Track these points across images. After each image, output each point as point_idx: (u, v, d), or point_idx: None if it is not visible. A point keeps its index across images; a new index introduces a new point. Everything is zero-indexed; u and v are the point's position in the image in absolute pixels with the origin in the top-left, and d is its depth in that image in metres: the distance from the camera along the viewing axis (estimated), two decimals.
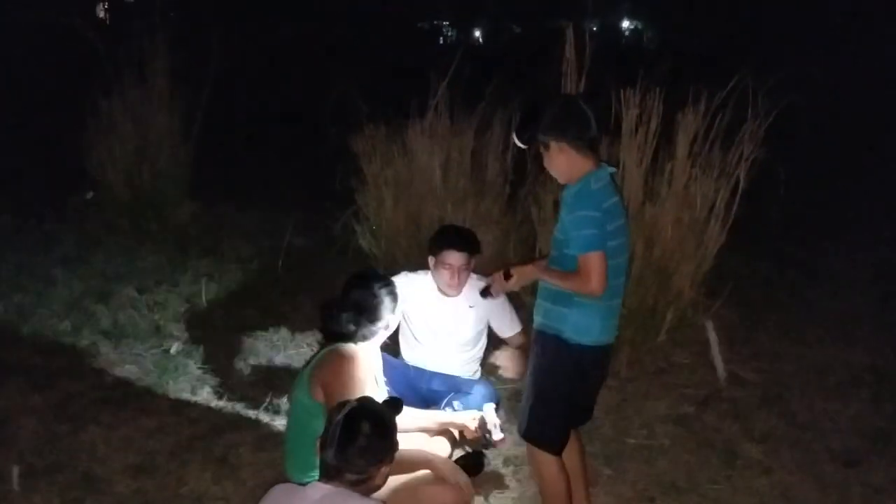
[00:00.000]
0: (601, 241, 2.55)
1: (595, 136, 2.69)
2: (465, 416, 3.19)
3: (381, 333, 2.86)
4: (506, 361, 3.62)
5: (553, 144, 2.64)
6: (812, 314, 5.09)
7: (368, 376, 2.66)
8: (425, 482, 2.71)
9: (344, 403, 2.14)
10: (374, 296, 2.77)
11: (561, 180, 2.76)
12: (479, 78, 5.23)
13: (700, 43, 13.34)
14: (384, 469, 2.14)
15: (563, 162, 2.66)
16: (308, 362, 2.74)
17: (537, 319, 2.77)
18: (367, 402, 2.21)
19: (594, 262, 2.53)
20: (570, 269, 2.62)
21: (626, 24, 33.90)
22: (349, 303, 2.75)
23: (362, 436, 2.05)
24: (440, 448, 3.10)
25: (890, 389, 4.23)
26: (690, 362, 4.48)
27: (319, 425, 2.52)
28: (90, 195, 6.76)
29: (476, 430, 3.10)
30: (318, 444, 2.12)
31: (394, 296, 2.86)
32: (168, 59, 6.50)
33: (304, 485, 2.15)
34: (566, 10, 7.72)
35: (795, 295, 5.45)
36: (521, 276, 2.84)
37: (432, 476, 2.72)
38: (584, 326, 2.67)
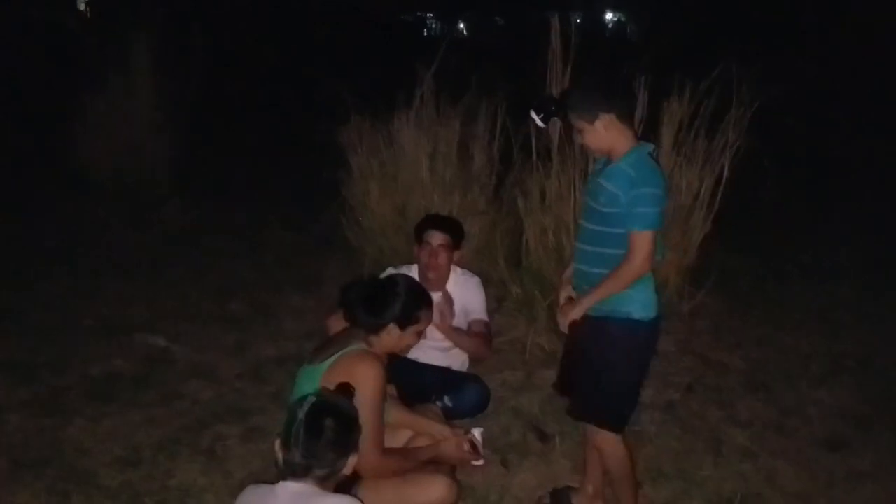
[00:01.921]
0: (660, 220, 2.58)
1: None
2: (453, 442, 2.97)
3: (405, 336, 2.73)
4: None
5: (602, 118, 2.59)
6: (796, 303, 5.13)
7: (383, 384, 2.58)
8: (410, 480, 2.66)
9: (302, 400, 2.11)
10: (407, 285, 2.76)
11: (600, 155, 2.74)
12: (465, 69, 5.22)
13: (684, 34, 13.38)
14: (351, 459, 2.13)
15: (609, 136, 2.62)
16: (315, 357, 2.63)
17: (599, 309, 2.68)
18: (325, 396, 2.19)
19: (650, 240, 2.54)
20: (611, 246, 2.60)
21: (609, 16, 33.94)
22: (382, 285, 2.72)
23: (328, 431, 2.05)
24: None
25: (873, 377, 4.28)
26: (676, 350, 4.50)
27: None
28: None
29: (467, 452, 2.96)
30: (276, 444, 2.10)
31: (423, 297, 2.79)
32: (152, 52, 6.46)
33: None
34: (551, 2, 7.73)
35: (779, 283, 5.49)
36: (578, 311, 2.70)
37: (418, 473, 2.69)
38: (648, 300, 2.68)
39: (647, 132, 4.34)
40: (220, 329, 4.65)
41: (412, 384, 3.57)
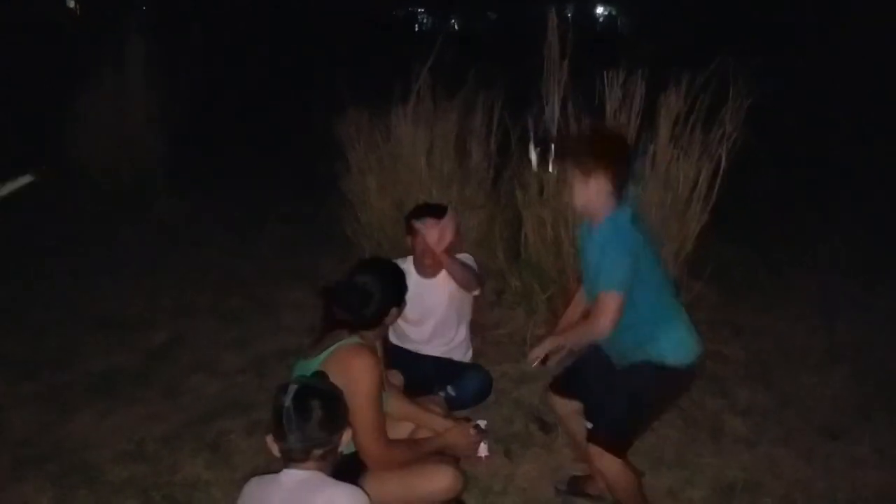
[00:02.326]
0: (626, 283, 2.61)
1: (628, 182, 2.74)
2: (458, 429, 2.93)
3: (387, 321, 2.75)
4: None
5: (597, 177, 2.65)
6: (793, 293, 5.16)
7: (380, 375, 2.57)
8: (415, 471, 2.65)
9: (284, 389, 2.13)
10: (367, 286, 2.67)
11: (581, 210, 2.79)
12: (461, 63, 5.23)
13: (678, 28, 13.40)
14: (345, 435, 2.19)
15: (597, 198, 2.68)
16: (310, 353, 2.63)
17: (632, 359, 2.76)
18: (304, 381, 2.22)
19: (615, 301, 2.59)
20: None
21: (600, 10, 33.95)
22: (356, 286, 2.66)
23: (316, 410, 2.09)
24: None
25: (869, 365, 4.31)
26: None
27: None
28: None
29: (473, 437, 2.90)
30: (269, 440, 2.13)
31: (392, 283, 2.75)
32: (147, 48, 6.44)
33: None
34: None
35: (776, 274, 5.52)
36: (540, 350, 2.78)
37: (423, 464, 2.68)
38: (682, 344, 2.74)
39: (645, 125, 4.40)
40: (220, 324, 4.66)
41: (415, 375, 3.60)
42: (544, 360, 2.81)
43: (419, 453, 2.73)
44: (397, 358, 3.73)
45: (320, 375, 2.34)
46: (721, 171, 4.42)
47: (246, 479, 3.07)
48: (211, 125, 8.49)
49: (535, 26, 4.47)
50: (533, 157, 2.84)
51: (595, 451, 2.72)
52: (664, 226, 4.49)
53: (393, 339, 3.89)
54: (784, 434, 3.64)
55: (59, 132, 6.37)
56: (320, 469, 2.12)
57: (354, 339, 2.61)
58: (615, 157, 2.68)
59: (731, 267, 5.32)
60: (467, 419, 3.08)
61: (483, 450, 3.01)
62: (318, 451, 2.10)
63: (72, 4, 18.22)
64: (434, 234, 3.32)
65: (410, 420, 3.01)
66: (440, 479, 2.64)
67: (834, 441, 3.58)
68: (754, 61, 4.16)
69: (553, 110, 4.44)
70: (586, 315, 2.85)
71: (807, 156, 8.11)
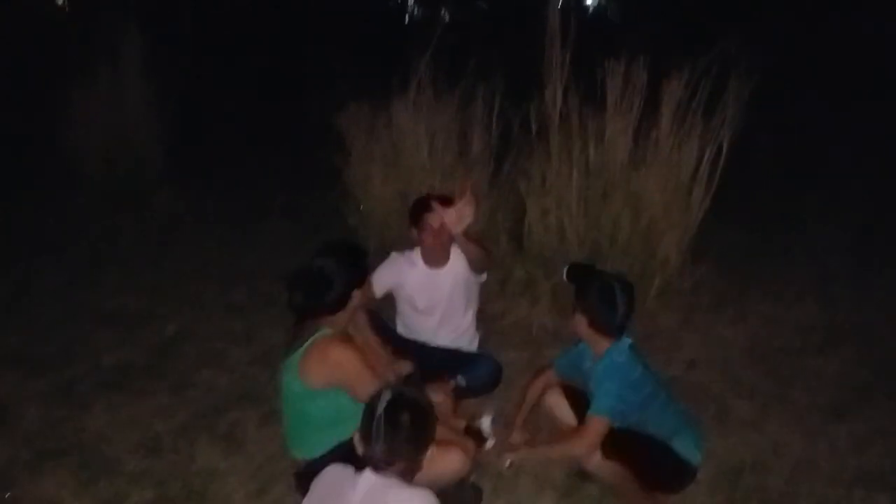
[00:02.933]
0: (614, 412, 2.80)
1: (620, 325, 2.90)
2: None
3: (350, 304, 2.73)
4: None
5: (582, 316, 2.90)
6: (795, 276, 5.20)
7: (361, 354, 2.62)
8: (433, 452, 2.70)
9: (378, 395, 2.12)
10: (325, 268, 2.67)
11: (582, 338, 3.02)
12: (459, 53, 5.23)
13: (675, 13, 13.35)
14: (431, 451, 2.17)
15: (586, 334, 2.95)
16: (291, 347, 2.67)
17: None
18: (400, 390, 2.18)
19: (601, 425, 2.79)
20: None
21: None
22: (314, 271, 2.67)
23: (406, 424, 2.07)
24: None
25: (871, 345, 4.37)
26: (677, 326, 4.58)
27: (315, 408, 2.59)
28: None
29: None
30: (356, 437, 2.14)
31: (351, 265, 2.74)
32: (142, 42, 6.42)
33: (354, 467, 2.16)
34: None
35: (778, 257, 5.56)
36: (515, 455, 3.06)
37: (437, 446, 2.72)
38: (688, 449, 2.94)
39: (647, 111, 4.42)
40: (226, 317, 4.68)
41: (425, 366, 3.63)
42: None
43: None
44: (406, 348, 3.77)
45: (413, 380, 2.33)
46: (723, 156, 4.46)
47: (261, 468, 3.19)
48: (208, 117, 8.46)
49: (530, 15, 4.47)
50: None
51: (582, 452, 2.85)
52: (668, 211, 4.54)
53: (401, 329, 3.92)
54: (788, 416, 3.70)
55: (56, 126, 6.33)
56: (399, 479, 2.10)
57: (325, 330, 2.63)
58: (595, 306, 2.88)
59: (733, 251, 5.37)
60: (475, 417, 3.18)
61: (488, 443, 3.09)
62: (401, 465, 2.09)
63: (60, 2, 18.07)
64: (452, 214, 3.32)
65: None
66: (449, 462, 2.67)
67: (837, 421, 3.64)
68: (756, 43, 4.18)
69: (555, 99, 4.46)
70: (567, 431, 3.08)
71: (807, 138, 8.14)
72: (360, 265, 2.78)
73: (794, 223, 6.08)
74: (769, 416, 3.70)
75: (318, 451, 2.69)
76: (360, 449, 2.13)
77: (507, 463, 3.04)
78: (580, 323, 2.93)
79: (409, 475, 2.12)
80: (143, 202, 6.40)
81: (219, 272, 5.40)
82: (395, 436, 2.06)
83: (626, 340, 2.93)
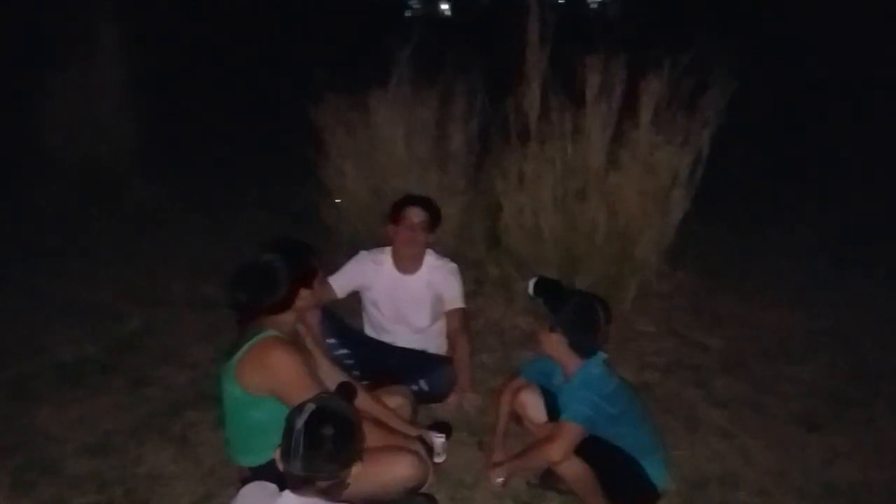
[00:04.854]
0: (589, 419, 2.75)
1: (600, 345, 2.87)
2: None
3: (296, 305, 2.63)
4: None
5: (559, 334, 2.83)
6: (774, 280, 5.12)
7: (303, 359, 2.52)
8: (375, 459, 2.49)
9: (300, 408, 1.99)
10: (270, 265, 2.55)
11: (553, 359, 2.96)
12: (442, 47, 5.13)
13: (660, 9, 13.27)
14: (356, 469, 2.03)
15: (559, 352, 2.87)
16: (230, 352, 2.56)
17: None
18: (324, 402, 2.03)
19: (574, 431, 2.73)
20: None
21: None
22: (258, 268, 2.56)
23: (328, 441, 1.93)
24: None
25: (848, 353, 4.29)
26: (655, 331, 4.49)
27: (259, 413, 2.47)
28: None
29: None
30: (276, 453, 2.01)
31: (298, 264, 2.62)
32: (115, 31, 6.31)
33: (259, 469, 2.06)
34: None
35: (758, 261, 5.48)
36: (500, 472, 3.02)
37: (383, 452, 2.60)
38: (656, 473, 2.87)
39: (626, 111, 4.32)
40: (192, 312, 4.57)
41: (387, 367, 3.54)
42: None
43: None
44: (370, 349, 3.67)
45: (345, 393, 2.20)
46: (703, 157, 4.37)
47: (212, 472, 3.08)
48: (183, 107, 8.29)
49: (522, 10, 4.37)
50: (530, 288, 3.03)
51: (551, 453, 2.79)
52: (645, 213, 4.44)
53: (368, 329, 3.82)
54: (761, 424, 3.62)
55: (24, 114, 6.20)
56: (321, 500, 1.97)
57: (267, 332, 2.52)
58: (573, 324, 2.82)
59: (712, 254, 5.29)
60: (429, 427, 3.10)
61: (439, 457, 3.01)
62: (322, 484, 1.95)
63: None
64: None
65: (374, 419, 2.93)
66: (401, 468, 2.59)
67: (810, 431, 3.56)
68: (735, 41, 4.09)
69: (533, 97, 4.37)
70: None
71: (788, 140, 8.06)
72: (308, 264, 2.67)
73: (775, 226, 6.01)
74: (742, 424, 3.61)
75: (264, 458, 2.56)
76: (279, 465, 1.99)
77: (501, 481, 2.98)
78: (557, 343, 2.85)
79: (333, 493, 1.98)
80: (115, 193, 6.27)
81: (189, 266, 5.29)
82: (315, 453, 1.92)
83: (601, 355, 2.89)
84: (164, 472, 3.08)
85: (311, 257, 2.69)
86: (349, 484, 2.02)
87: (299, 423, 1.95)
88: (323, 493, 1.96)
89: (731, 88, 4.19)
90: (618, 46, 4.25)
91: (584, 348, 2.85)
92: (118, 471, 3.08)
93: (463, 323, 3.73)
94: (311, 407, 1.98)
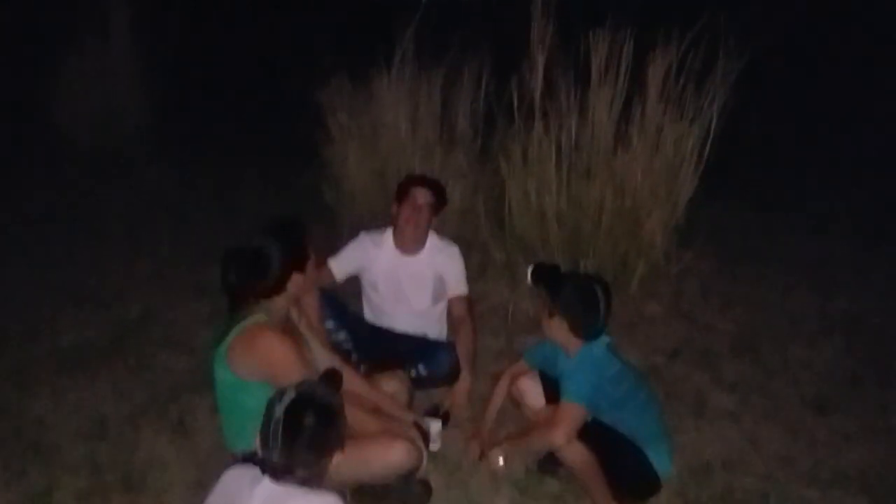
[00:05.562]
0: (591, 399, 2.72)
1: (602, 328, 2.79)
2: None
3: (289, 288, 2.56)
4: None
5: (559, 318, 2.77)
6: (787, 259, 4.99)
7: (292, 344, 2.47)
8: (367, 446, 2.51)
9: (281, 394, 1.94)
10: (262, 249, 2.49)
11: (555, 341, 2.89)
12: (448, 26, 5.02)
13: None
14: (337, 457, 1.98)
15: (561, 335, 2.81)
16: (221, 336, 2.52)
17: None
18: (305, 389, 1.99)
19: (576, 412, 2.69)
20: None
21: None
22: (251, 250, 2.50)
23: (307, 429, 1.88)
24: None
25: (863, 334, 4.18)
26: (663, 314, 4.40)
27: (250, 399, 2.41)
28: None
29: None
30: (257, 441, 1.96)
31: (292, 246, 2.56)
32: (127, 15, 6.29)
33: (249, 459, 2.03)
34: None
35: (770, 240, 5.34)
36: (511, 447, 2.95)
37: (375, 439, 2.57)
38: (659, 461, 2.81)
39: (633, 87, 4.21)
40: (196, 297, 4.52)
41: (387, 352, 3.49)
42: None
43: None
44: (369, 333, 3.63)
45: (331, 379, 2.14)
46: (712, 133, 4.24)
47: (207, 457, 3.06)
48: (189, 93, 8.22)
49: None
50: (528, 275, 2.97)
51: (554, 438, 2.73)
52: (653, 192, 4.33)
53: (367, 313, 3.77)
54: (770, 408, 3.54)
55: (36, 99, 6.20)
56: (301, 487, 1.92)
57: (258, 316, 2.47)
58: (575, 307, 2.76)
59: (724, 233, 5.16)
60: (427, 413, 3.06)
61: (434, 445, 2.96)
62: (301, 472, 1.90)
63: None
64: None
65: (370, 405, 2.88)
66: (393, 454, 2.55)
67: (820, 415, 3.48)
68: (746, 13, 3.95)
69: (537, 76, 4.26)
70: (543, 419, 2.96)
71: (800, 115, 7.84)
72: (301, 248, 2.61)
73: (789, 204, 5.85)
74: (750, 408, 3.54)
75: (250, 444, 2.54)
76: (259, 453, 1.94)
77: (500, 461, 2.91)
78: (559, 328, 2.80)
79: (313, 482, 1.93)
80: (123, 177, 6.26)
81: (195, 250, 5.23)
82: (294, 442, 1.87)
83: (604, 338, 2.84)
84: (160, 458, 3.05)
85: (304, 240, 2.63)
86: (330, 474, 1.97)
87: (279, 410, 1.90)
88: (302, 482, 1.91)
89: (741, 61, 4.05)
90: (624, 21, 4.12)
91: (585, 331, 2.78)
92: (113, 456, 3.06)
93: (467, 311, 3.66)
94: (291, 394, 1.93)
